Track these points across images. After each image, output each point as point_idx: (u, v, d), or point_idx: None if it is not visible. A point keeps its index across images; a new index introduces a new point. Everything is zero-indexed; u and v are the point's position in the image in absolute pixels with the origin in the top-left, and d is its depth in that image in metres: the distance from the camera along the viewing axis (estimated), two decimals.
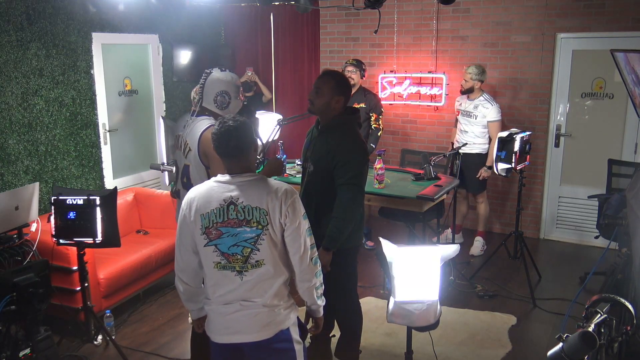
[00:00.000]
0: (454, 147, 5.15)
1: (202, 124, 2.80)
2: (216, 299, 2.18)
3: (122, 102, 5.51)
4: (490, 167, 4.91)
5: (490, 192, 5.92)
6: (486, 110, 4.96)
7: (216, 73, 2.87)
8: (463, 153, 4.95)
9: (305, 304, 2.32)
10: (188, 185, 2.82)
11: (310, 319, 2.39)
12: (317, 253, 2.25)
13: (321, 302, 2.30)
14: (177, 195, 2.93)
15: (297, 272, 2.21)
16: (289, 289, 2.24)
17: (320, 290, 2.29)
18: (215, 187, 2.18)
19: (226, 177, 2.18)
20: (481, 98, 5.01)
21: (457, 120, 5.27)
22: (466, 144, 5.04)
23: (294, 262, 2.19)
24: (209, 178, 2.74)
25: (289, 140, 5.69)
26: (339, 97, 2.88)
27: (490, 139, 5.04)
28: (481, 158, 5.09)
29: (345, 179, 2.79)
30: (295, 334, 2.24)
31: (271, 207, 2.11)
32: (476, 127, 5.05)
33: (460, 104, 5.19)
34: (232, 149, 2.16)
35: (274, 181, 2.22)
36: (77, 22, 4.82)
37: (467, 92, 5.05)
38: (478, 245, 5.33)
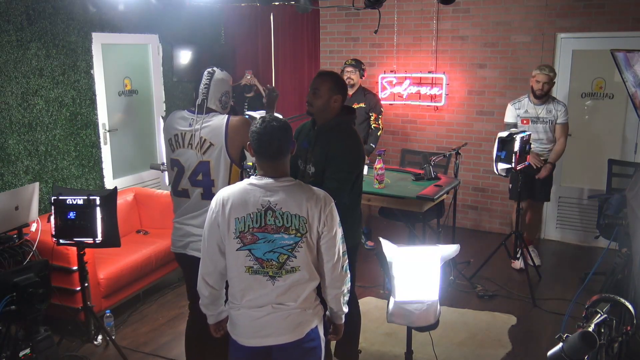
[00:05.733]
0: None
1: (222, 117, 2.78)
2: (245, 303, 2.13)
3: (122, 102, 5.51)
4: (554, 165, 4.78)
5: (490, 192, 5.93)
6: (559, 112, 4.67)
7: (219, 73, 2.85)
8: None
9: (330, 310, 2.30)
10: (205, 183, 2.77)
11: (331, 326, 2.37)
12: (347, 260, 2.23)
13: (346, 308, 2.29)
14: (184, 194, 2.85)
15: (329, 279, 2.18)
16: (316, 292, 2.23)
17: (347, 297, 2.27)
18: (251, 189, 2.11)
19: (263, 180, 2.11)
20: (553, 101, 4.72)
21: (511, 129, 4.62)
22: (466, 143, 5.02)
23: (326, 269, 2.16)
24: (230, 172, 2.75)
25: None
26: (337, 96, 2.88)
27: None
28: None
29: (331, 182, 2.77)
30: (321, 331, 2.24)
31: (311, 214, 2.08)
32: (552, 133, 4.73)
33: (526, 110, 4.75)
34: (274, 151, 2.10)
35: (311, 187, 2.18)
36: (77, 22, 4.82)
37: (545, 95, 4.64)
38: (533, 254, 4.95)
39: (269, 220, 2.07)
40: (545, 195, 4.94)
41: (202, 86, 2.82)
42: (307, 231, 2.08)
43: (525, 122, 4.75)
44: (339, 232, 2.17)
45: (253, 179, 2.14)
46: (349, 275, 2.24)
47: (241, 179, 2.64)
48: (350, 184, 2.85)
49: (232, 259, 2.12)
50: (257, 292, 2.11)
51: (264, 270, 2.09)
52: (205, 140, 2.76)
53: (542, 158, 4.78)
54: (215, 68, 2.87)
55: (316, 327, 2.20)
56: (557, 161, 4.83)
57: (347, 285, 2.24)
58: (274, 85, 5.96)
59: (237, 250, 2.09)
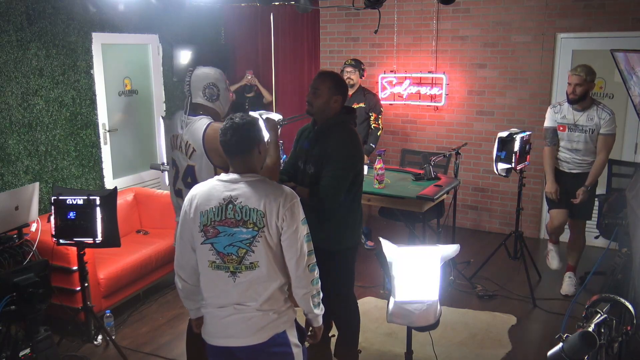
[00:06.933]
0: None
1: (202, 123, 2.76)
2: (210, 300, 2.17)
3: (122, 102, 5.51)
4: (589, 188, 4.19)
5: (490, 192, 5.93)
6: (602, 121, 4.06)
7: (200, 69, 2.87)
8: (571, 173, 4.28)
9: (303, 311, 2.29)
10: (193, 185, 2.81)
11: (310, 328, 2.35)
12: (314, 260, 2.21)
13: (318, 311, 2.25)
14: (179, 194, 2.89)
15: (293, 277, 2.18)
16: (287, 294, 2.22)
17: (318, 299, 2.24)
18: (217, 185, 2.17)
19: (229, 176, 2.17)
20: (597, 107, 4.11)
21: (551, 135, 4.30)
22: (466, 143, 5.01)
23: (290, 267, 2.17)
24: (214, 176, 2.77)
25: (289, 140, 5.68)
26: (337, 96, 2.89)
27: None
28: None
29: (326, 180, 2.78)
30: (292, 337, 2.21)
31: (269, 209, 2.09)
32: (594, 145, 4.16)
33: (564, 116, 4.19)
34: (234, 146, 2.15)
35: (275, 184, 2.20)
36: (77, 22, 4.82)
37: (579, 100, 4.07)
38: (570, 282, 4.53)
39: (229, 213, 2.11)
40: (582, 212, 4.35)
41: (185, 85, 2.88)
42: (265, 226, 2.09)
43: (562, 128, 4.22)
44: (302, 229, 2.16)
45: (223, 175, 2.20)
46: (316, 276, 2.21)
47: None
48: (346, 183, 2.84)
49: (199, 253, 2.17)
50: (219, 289, 2.14)
51: (225, 266, 2.12)
52: (189, 144, 2.78)
53: (579, 171, 4.24)
54: (198, 66, 2.89)
55: (284, 332, 2.18)
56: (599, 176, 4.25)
57: (315, 286, 2.21)
58: (274, 85, 5.96)
59: (201, 244, 2.15)
